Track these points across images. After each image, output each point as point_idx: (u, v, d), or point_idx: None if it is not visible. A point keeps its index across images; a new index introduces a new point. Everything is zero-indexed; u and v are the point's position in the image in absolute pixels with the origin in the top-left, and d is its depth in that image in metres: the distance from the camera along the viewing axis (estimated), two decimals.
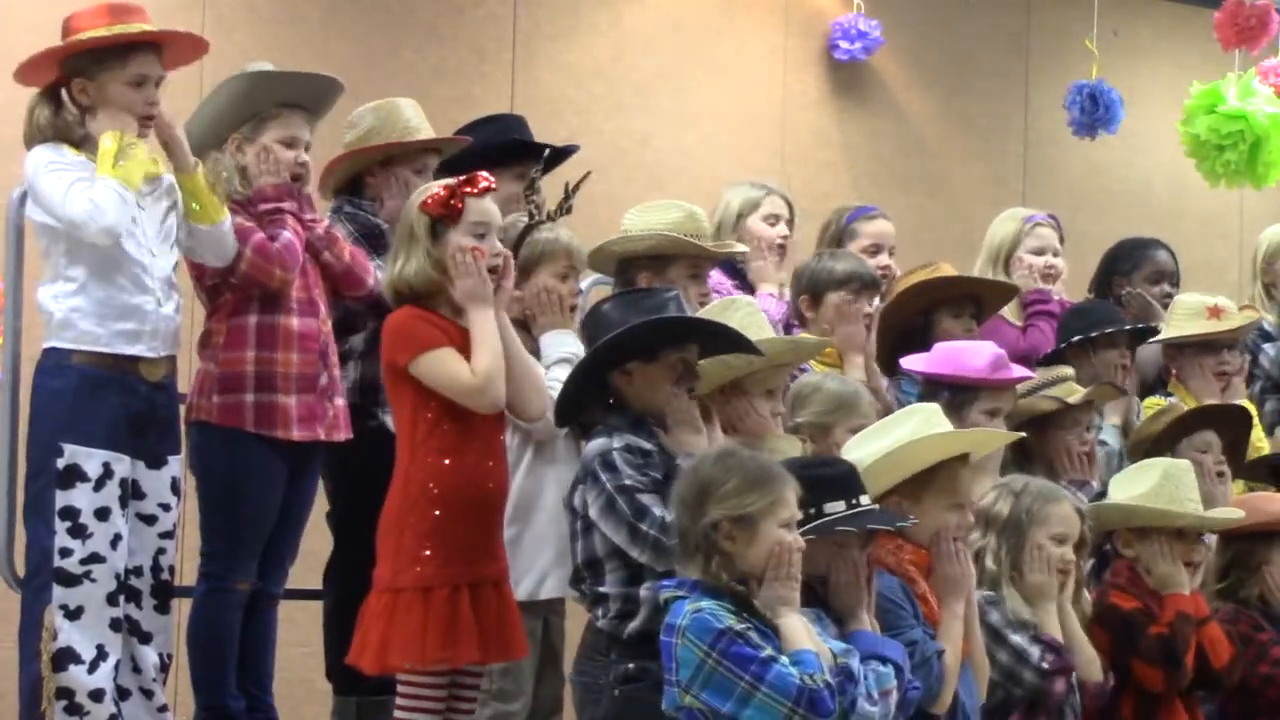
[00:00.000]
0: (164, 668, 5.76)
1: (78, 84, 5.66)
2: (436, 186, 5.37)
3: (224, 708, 5.87)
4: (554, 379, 5.57)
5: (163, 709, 5.75)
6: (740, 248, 6.59)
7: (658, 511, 5.14)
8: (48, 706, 5.50)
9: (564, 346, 5.74)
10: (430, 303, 5.32)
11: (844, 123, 10.21)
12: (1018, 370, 6.32)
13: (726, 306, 5.75)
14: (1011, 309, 7.27)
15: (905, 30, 10.24)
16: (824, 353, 6.28)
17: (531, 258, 5.82)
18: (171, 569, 5.79)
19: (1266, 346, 7.81)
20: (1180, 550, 6.07)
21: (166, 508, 5.74)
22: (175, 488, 5.78)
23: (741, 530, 4.69)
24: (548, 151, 6.27)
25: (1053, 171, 10.66)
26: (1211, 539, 6.36)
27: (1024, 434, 6.12)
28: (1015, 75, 10.69)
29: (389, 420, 5.62)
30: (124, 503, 5.62)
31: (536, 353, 5.71)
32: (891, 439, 5.31)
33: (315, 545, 6.34)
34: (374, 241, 6.23)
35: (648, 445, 5.28)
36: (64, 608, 5.51)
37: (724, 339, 5.43)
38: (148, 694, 5.71)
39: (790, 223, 6.91)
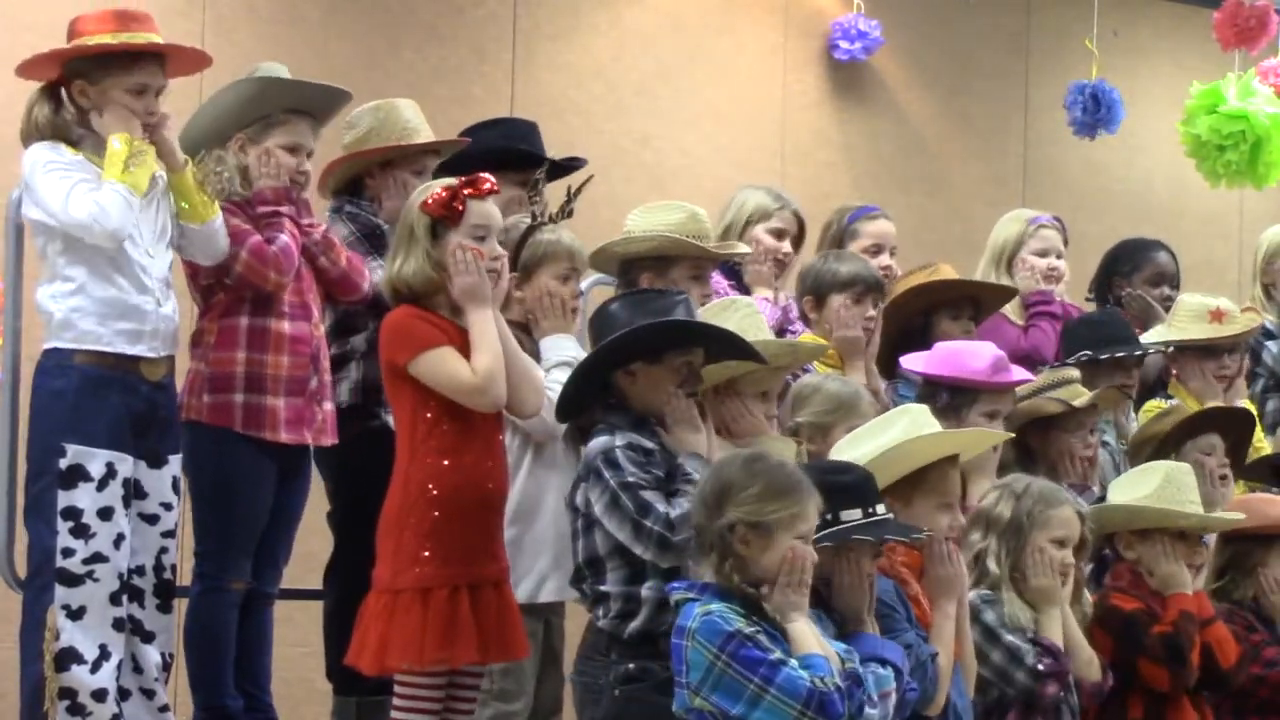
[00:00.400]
0: (166, 667, 5.77)
1: (78, 85, 5.66)
2: (438, 186, 5.36)
3: (223, 707, 5.88)
4: (553, 382, 5.56)
5: (164, 709, 5.75)
6: (743, 248, 6.59)
7: (661, 508, 5.15)
8: (50, 707, 5.50)
9: (563, 350, 5.73)
10: (429, 303, 5.32)
11: (844, 123, 10.21)
12: (1018, 373, 6.31)
13: (726, 307, 5.75)
14: (1013, 308, 7.28)
15: (905, 30, 10.24)
16: (825, 355, 6.28)
17: (533, 259, 5.81)
18: (173, 568, 5.80)
19: (1269, 344, 7.81)
20: (1182, 552, 6.07)
21: (168, 507, 5.75)
22: (176, 487, 5.79)
23: (757, 536, 4.69)
24: (546, 165, 6.27)
25: (1053, 171, 10.65)
26: (1211, 541, 6.37)
27: (1012, 434, 6.10)
28: (1015, 75, 10.69)
29: (391, 420, 5.62)
30: (127, 502, 5.62)
31: (536, 356, 5.70)
32: (881, 440, 5.29)
33: (315, 545, 6.35)
34: (375, 241, 6.23)
35: (649, 444, 5.29)
36: (66, 608, 5.51)
37: (729, 345, 5.43)
38: (149, 694, 5.71)
39: (797, 241, 6.89)
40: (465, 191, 5.31)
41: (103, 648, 5.54)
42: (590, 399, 5.40)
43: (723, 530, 4.70)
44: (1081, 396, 6.46)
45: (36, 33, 6.63)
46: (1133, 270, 7.70)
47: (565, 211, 5.92)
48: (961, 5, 10.36)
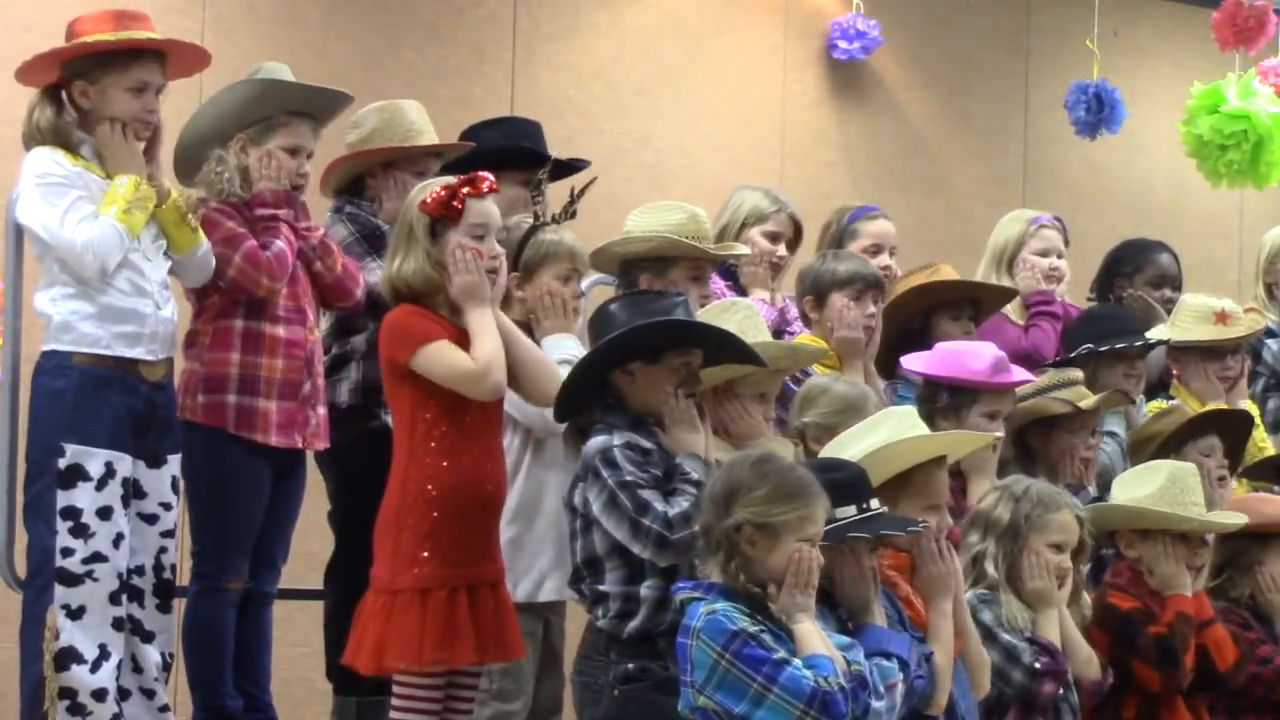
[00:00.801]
0: (166, 667, 5.77)
1: (78, 86, 5.66)
2: (437, 185, 5.35)
3: (222, 707, 5.88)
4: None
5: (164, 709, 5.75)
6: (742, 249, 6.59)
7: (659, 507, 5.15)
8: (50, 706, 5.50)
9: (565, 349, 5.72)
10: (428, 302, 5.32)
11: (843, 123, 10.20)
12: (1018, 373, 6.31)
13: (726, 309, 5.75)
14: (1014, 308, 7.27)
15: (905, 30, 10.24)
16: (824, 357, 6.28)
17: (535, 259, 5.80)
18: (173, 568, 5.80)
19: (1270, 342, 7.81)
20: (1183, 553, 6.07)
21: (167, 506, 5.75)
22: (175, 487, 5.79)
23: (764, 538, 4.69)
24: (550, 165, 6.26)
25: (1053, 171, 10.65)
26: (1211, 540, 6.36)
27: (999, 436, 6.10)
28: (1015, 75, 10.68)
29: (390, 420, 5.62)
30: (126, 502, 5.62)
31: None
32: (867, 443, 5.26)
33: (315, 545, 6.35)
34: (374, 242, 6.23)
35: (647, 444, 5.28)
36: (66, 607, 5.51)
37: (729, 346, 5.43)
38: (149, 694, 5.71)
39: (792, 244, 6.89)
40: (464, 190, 5.31)
41: (102, 647, 5.54)
42: (589, 399, 5.40)
43: (730, 530, 4.70)
44: (1087, 398, 6.46)
45: (36, 34, 6.64)
46: (1135, 271, 7.69)
47: (569, 212, 5.91)
48: (961, 5, 10.35)
